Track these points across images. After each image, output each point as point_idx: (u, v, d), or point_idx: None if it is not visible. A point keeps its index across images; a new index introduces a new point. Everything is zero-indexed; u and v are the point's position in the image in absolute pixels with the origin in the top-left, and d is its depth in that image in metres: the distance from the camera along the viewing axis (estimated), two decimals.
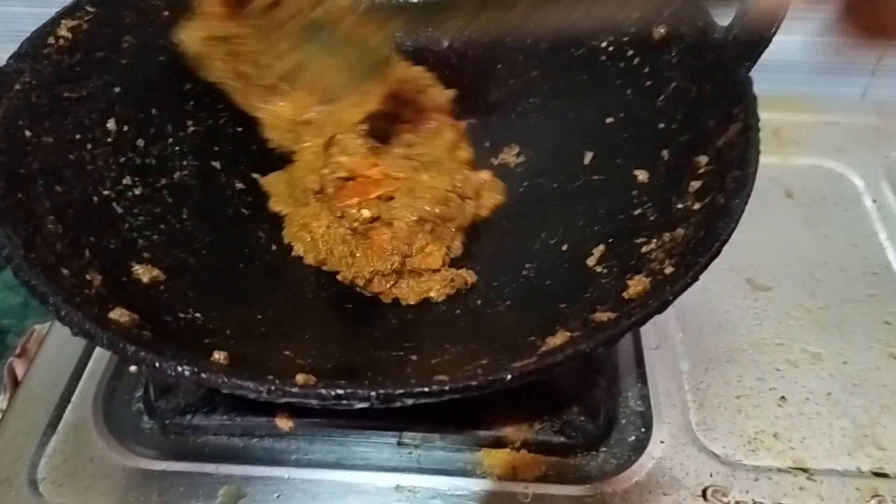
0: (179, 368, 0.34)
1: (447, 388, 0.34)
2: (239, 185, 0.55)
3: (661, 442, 0.48)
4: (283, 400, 0.34)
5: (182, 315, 0.43)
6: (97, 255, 0.43)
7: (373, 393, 0.34)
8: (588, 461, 0.47)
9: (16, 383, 0.63)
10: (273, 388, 0.34)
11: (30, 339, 0.66)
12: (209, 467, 0.47)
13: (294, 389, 0.34)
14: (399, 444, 0.48)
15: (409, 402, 0.34)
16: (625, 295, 0.41)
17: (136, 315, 0.39)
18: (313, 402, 0.34)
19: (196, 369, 0.34)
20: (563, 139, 0.56)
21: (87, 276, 0.41)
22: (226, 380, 0.34)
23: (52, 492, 0.46)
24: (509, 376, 0.35)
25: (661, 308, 0.37)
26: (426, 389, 0.34)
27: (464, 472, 0.47)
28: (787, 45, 0.45)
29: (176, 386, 0.49)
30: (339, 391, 0.34)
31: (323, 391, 0.34)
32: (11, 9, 0.79)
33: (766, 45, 0.45)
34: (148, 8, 0.55)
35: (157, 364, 0.34)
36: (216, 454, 0.48)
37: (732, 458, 0.48)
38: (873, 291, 0.58)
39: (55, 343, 0.55)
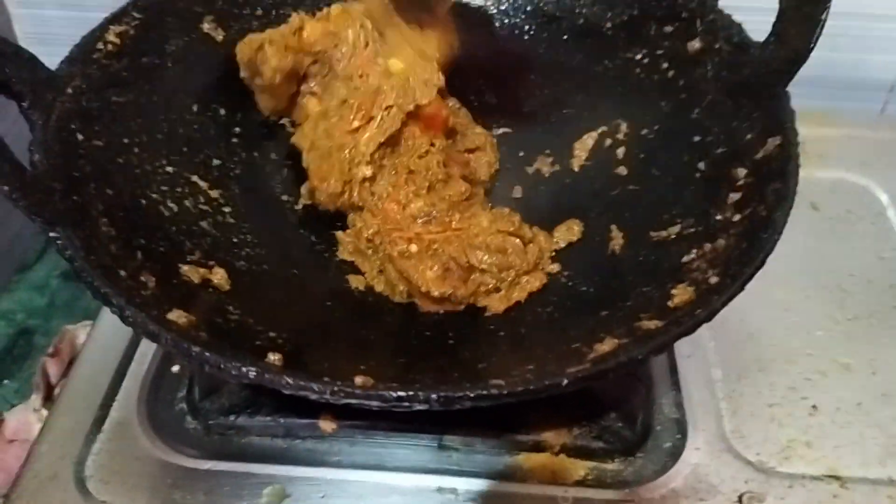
0: (244, 370, 0.35)
1: (505, 392, 0.35)
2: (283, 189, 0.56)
3: (697, 448, 0.49)
4: (345, 401, 0.35)
5: (232, 317, 0.44)
6: (149, 258, 0.44)
7: (433, 395, 0.34)
8: (626, 466, 0.48)
9: (49, 383, 0.64)
10: (336, 388, 0.35)
11: (62, 339, 0.66)
12: (253, 467, 0.47)
13: (356, 391, 0.35)
14: (440, 446, 0.49)
15: (468, 405, 0.35)
16: (669, 304, 0.42)
17: (192, 317, 0.40)
18: (374, 403, 0.35)
19: (260, 370, 0.35)
20: (598, 149, 0.57)
21: (142, 278, 0.42)
22: (290, 381, 0.35)
23: (100, 490, 0.46)
24: (565, 381, 0.35)
25: (710, 316, 0.38)
26: (485, 392, 0.35)
27: (503, 476, 0.48)
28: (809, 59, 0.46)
29: (220, 387, 0.50)
30: (401, 393, 0.34)
31: (385, 393, 0.35)
32: (44, 12, 0.80)
33: (804, 61, 0.46)
34: (191, 14, 0.56)
35: (222, 365, 0.35)
36: (260, 455, 0.48)
37: (767, 466, 0.49)
38: None
39: (97, 343, 0.55)
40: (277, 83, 0.55)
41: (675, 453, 0.49)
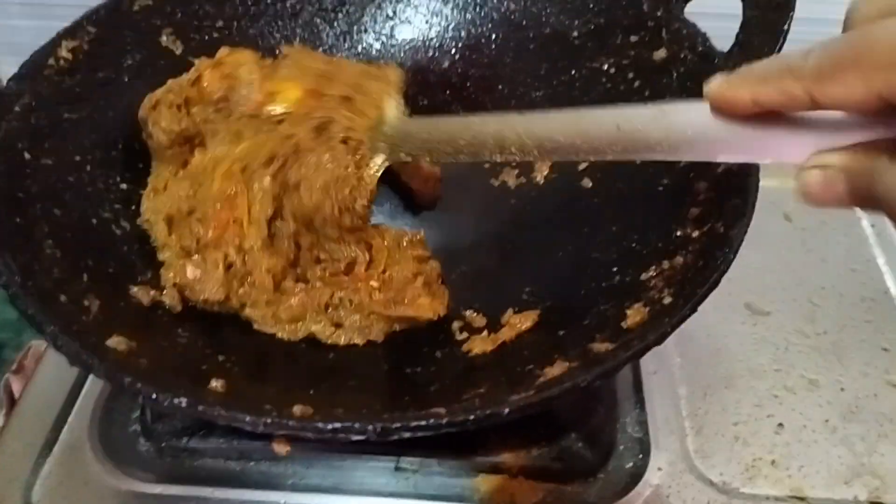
0: (175, 401, 0.34)
1: (444, 421, 0.34)
2: None
3: (659, 469, 0.48)
4: (280, 433, 0.34)
5: (181, 340, 0.43)
6: (96, 279, 0.43)
7: (370, 427, 0.34)
8: (586, 488, 0.47)
9: (12, 400, 0.63)
10: (269, 420, 0.34)
11: (27, 355, 0.65)
12: (206, 491, 0.47)
13: (290, 423, 0.34)
14: (396, 469, 0.48)
15: (406, 435, 0.34)
16: (623, 325, 0.41)
17: (134, 342, 0.39)
18: (309, 434, 0.34)
19: (192, 401, 0.34)
20: (564, 162, 0.56)
21: (86, 302, 0.41)
22: (223, 413, 0.34)
23: None
24: (507, 410, 0.34)
25: (660, 340, 0.37)
26: (423, 423, 0.34)
27: (461, 498, 0.47)
28: None
29: None
30: (336, 425, 0.33)
31: (320, 425, 0.34)
32: (13, 22, 0.80)
33: None
34: (149, 27, 0.55)
35: (154, 396, 0.34)
36: (213, 477, 0.47)
37: (730, 486, 0.48)
38: (871, 317, 0.58)
39: (52, 361, 0.55)
40: (170, 146, 0.50)
41: (637, 474, 0.48)
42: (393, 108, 0.47)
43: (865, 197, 0.27)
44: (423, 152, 0.43)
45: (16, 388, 0.63)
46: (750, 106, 0.29)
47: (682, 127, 0.32)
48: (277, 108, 0.47)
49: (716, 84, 0.30)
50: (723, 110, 0.30)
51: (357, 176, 0.45)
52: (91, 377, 0.53)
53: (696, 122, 0.32)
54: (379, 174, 0.45)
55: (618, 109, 0.35)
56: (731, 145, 0.31)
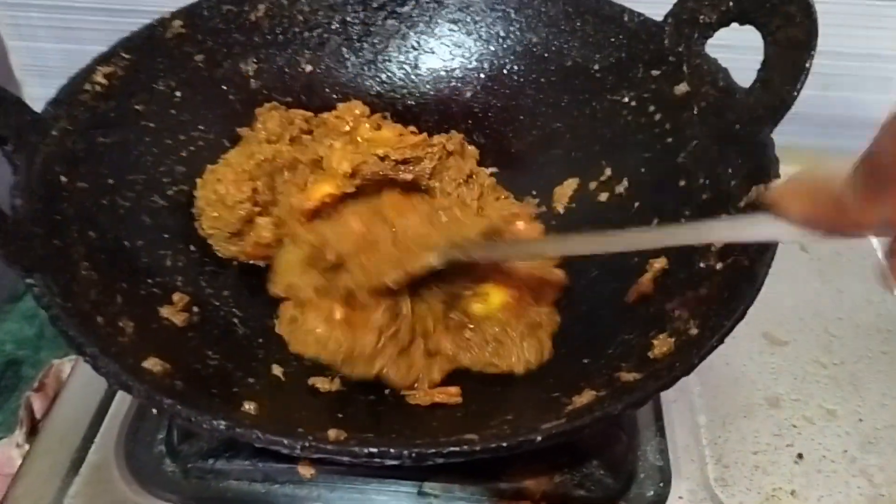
0: (214, 423, 0.35)
1: (478, 448, 0.35)
2: None
3: (680, 497, 0.49)
4: (317, 456, 0.35)
5: (211, 363, 0.44)
6: (129, 301, 0.44)
7: (405, 451, 0.34)
8: None
9: (33, 418, 0.64)
10: (307, 444, 0.34)
11: (48, 374, 0.66)
12: None
13: (328, 447, 0.34)
14: (419, 493, 0.48)
15: (440, 461, 0.35)
16: (650, 354, 0.42)
17: (168, 364, 0.40)
18: (346, 458, 0.35)
19: (231, 424, 0.35)
20: (582, 192, 0.57)
21: (120, 324, 0.42)
22: (261, 435, 0.34)
23: None
24: (539, 438, 0.35)
25: (688, 371, 0.38)
26: (457, 449, 0.35)
27: None
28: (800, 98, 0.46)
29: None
30: (373, 449, 0.34)
31: (356, 449, 0.34)
32: (40, 45, 0.81)
33: (788, 108, 0.47)
34: (181, 54, 0.56)
35: (193, 419, 0.35)
36: (238, 499, 0.48)
37: None
38: (887, 348, 0.58)
39: (78, 381, 0.55)
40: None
41: (658, 502, 0.49)
42: None
43: None
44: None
45: (37, 406, 0.63)
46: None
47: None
48: None
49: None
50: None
51: None
52: (117, 398, 0.53)
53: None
54: None
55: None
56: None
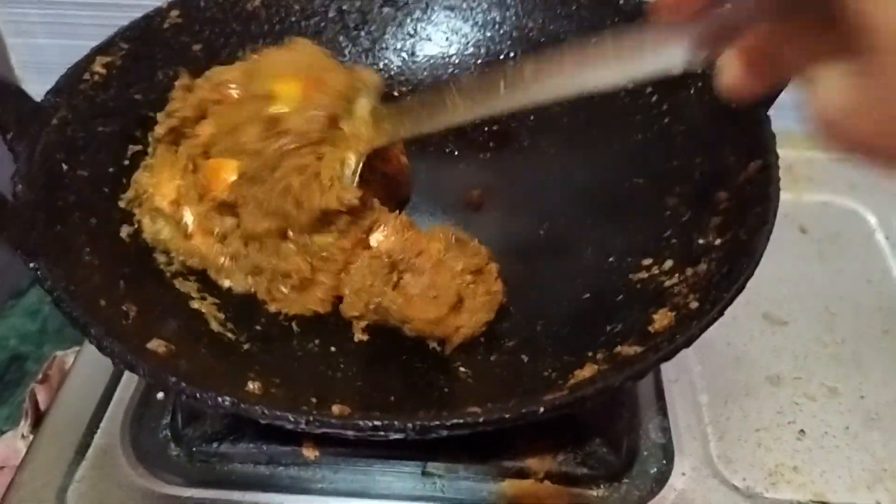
0: (220, 399, 0.35)
1: (481, 419, 0.35)
2: None
3: (683, 474, 0.49)
4: (321, 430, 0.35)
5: (216, 340, 0.44)
6: (132, 286, 0.44)
7: (409, 424, 0.34)
8: (611, 493, 0.48)
9: (37, 409, 0.64)
10: (311, 418, 0.34)
11: (51, 366, 0.66)
12: (236, 495, 0.47)
13: (332, 420, 0.35)
14: (423, 473, 0.48)
15: (444, 433, 0.35)
16: (650, 329, 0.42)
17: (172, 345, 0.40)
18: (350, 433, 0.35)
19: (236, 400, 0.35)
20: (583, 175, 0.57)
21: (124, 307, 0.42)
22: (265, 411, 0.35)
23: None
24: (542, 409, 0.35)
25: (688, 342, 0.38)
26: (460, 421, 0.35)
27: (487, 503, 0.47)
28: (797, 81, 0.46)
29: (203, 414, 0.49)
30: (377, 423, 0.34)
31: (360, 422, 0.34)
32: (38, 41, 0.81)
33: (784, 86, 0.47)
34: (179, 44, 0.56)
35: (198, 395, 0.35)
36: (242, 482, 0.48)
37: (754, 491, 0.48)
38: (888, 327, 0.58)
39: (82, 370, 0.55)
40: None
41: (661, 479, 0.49)
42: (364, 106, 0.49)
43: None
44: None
45: (41, 398, 0.64)
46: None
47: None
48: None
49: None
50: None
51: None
52: (121, 386, 0.53)
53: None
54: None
55: None
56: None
